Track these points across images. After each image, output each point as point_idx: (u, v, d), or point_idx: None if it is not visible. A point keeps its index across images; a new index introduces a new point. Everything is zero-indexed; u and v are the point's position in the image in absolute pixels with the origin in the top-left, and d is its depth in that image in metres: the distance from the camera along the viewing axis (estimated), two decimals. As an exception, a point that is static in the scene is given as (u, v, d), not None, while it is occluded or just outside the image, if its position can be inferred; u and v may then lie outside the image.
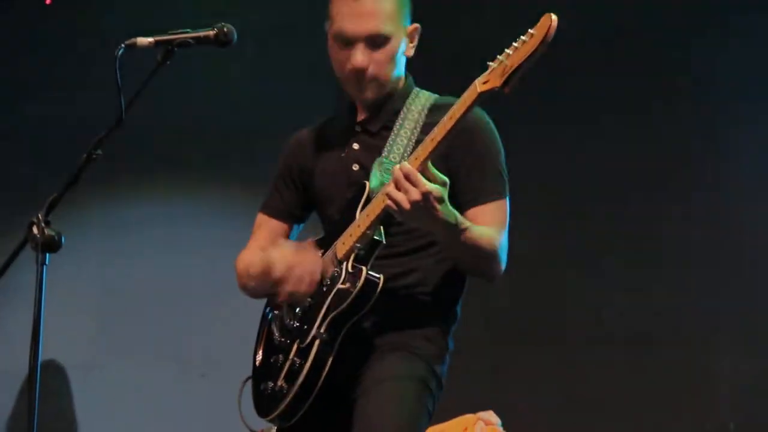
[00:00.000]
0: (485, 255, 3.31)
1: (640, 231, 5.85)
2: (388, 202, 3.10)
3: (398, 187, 3.07)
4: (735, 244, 5.71)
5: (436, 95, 3.52)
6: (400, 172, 3.07)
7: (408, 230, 3.37)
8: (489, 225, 3.32)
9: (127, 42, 3.25)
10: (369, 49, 3.42)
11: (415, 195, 3.05)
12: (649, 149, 5.88)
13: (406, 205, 3.06)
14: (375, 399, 3.28)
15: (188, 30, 3.30)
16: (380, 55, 3.43)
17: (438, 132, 3.12)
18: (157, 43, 3.27)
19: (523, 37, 2.95)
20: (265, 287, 3.46)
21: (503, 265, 3.36)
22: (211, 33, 3.30)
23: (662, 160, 5.86)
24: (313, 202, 3.63)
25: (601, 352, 5.77)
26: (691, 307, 5.71)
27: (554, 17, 2.92)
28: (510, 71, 2.97)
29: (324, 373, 3.28)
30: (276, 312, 3.51)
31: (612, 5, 5.99)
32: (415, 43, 3.52)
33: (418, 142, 3.28)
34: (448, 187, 3.12)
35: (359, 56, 3.41)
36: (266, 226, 3.69)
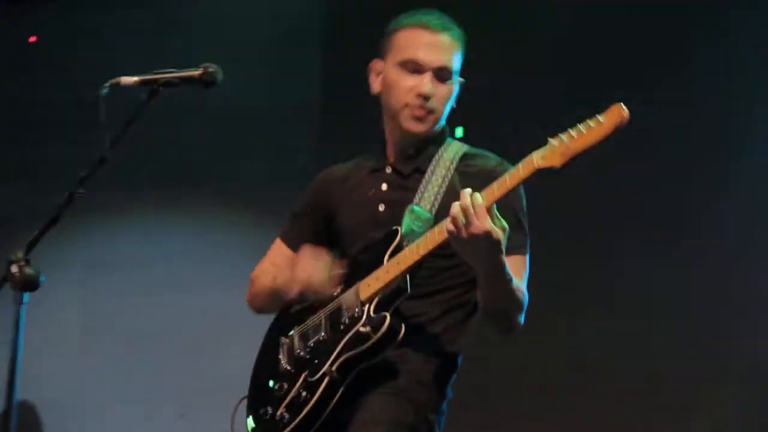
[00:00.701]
0: (515, 306, 3.33)
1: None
2: (449, 227, 3.08)
3: (466, 216, 3.06)
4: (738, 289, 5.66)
5: (468, 145, 3.57)
6: (470, 203, 3.06)
7: (420, 275, 3.37)
8: (516, 276, 3.32)
9: (111, 81, 3.26)
10: (436, 80, 3.47)
11: (479, 229, 3.06)
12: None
13: (464, 234, 3.07)
14: None
15: (173, 69, 3.29)
16: (443, 89, 3.49)
17: (494, 190, 3.12)
18: (142, 82, 3.26)
19: (590, 122, 2.99)
20: (275, 297, 3.55)
21: (520, 322, 3.38)
22: (196, 73, 3.30)
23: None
24: (334, 239, 3.62)
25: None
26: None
27: (625, 109, 2.95)
28: (572, 155, 3.01)
29: (327, 411, 3.28)
30: (285, 339, 3.51)
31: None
32: (456, 94, 3.57)
33: (449, 189, 3.37)
34: (507, 234, 3.13)
35: (428, 83, 3.46)
36: (280, 252, 3.72)
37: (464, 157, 3.51)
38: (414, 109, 3.48)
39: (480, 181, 3.20)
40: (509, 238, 3.18)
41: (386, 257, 3.34)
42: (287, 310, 3.59)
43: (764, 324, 5.44)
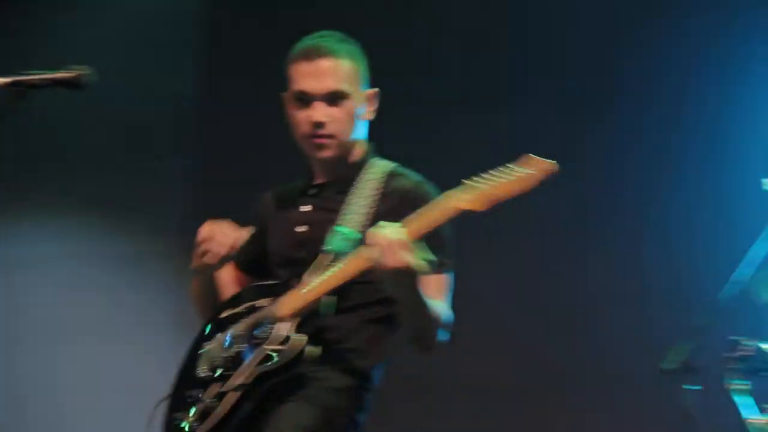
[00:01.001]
0: (432, 327, 3.41)
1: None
2: (374, 256, 3.17)
3: (390, 248, 3.13)
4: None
5: (394, 164, 3.63)
6: (394, 237, 3.15)
7: (342, 293, 3.43)
8: (436, 295, 3.42)
9: None
10: (328, 106, 3.54)
11: (402, 263, 3.15)
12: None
13: (390, 266, 3.15)
14: None
15: (45, 71, 3.26)
16: (339, 112, 3.56)
17: (418, 226, 3.21)
18: (12, 83, 3.23)
19: (518, 171, 3.08)
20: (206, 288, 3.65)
21: (441, 338, 3.45)
22: (67, 76, 3.27)
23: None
24: (267, 260, 3.69)
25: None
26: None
27: (554, 166, 3.06)
28: (497, 201, 3.11)
29: (236, 422, 3.37)
30: (208, 345, 3.54)
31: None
32: (375, 107, 3.64)
33: (376, 210, 3.45)
34: (430, 269, 3.26)
35: (318, 111, 3.53)
36: (228, 267, 3.74)
37: (390, 176, 3.59)
38: (313, 139, 3.57)
39: (399, 202, 3.36)
40: (439, 259, 3.34)
41: (307, 276, 3.41)
42: (217, 316, 3.65)
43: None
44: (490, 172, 3.15)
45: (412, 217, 3.25)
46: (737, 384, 4.16)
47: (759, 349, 4.31)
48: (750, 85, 5.88)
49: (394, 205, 3.40)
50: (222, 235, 3.51)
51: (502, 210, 3.16)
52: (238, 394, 3.35)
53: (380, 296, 3.47)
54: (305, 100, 3.56)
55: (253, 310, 3.50)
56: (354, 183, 3.58)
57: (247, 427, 3.38)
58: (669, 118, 5.94)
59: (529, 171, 3.09)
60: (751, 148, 5.74)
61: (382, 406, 3.61)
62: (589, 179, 5.88)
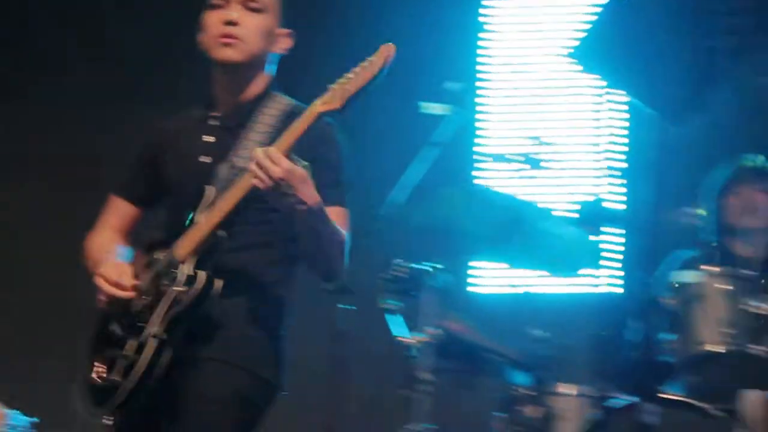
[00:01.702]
0: (338, 248, 3.41)
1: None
2: (254, 180, 3.18)
3: (262, 166, 3.17)
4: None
5: (295, 102, 3.56)
6: (264, 153, 3.18)
7: (239, 230, 3.41)
8: (341, 225, 3.47)
9: None
10: (245, 11, 3.49)
11: (279, 172, 3.16)
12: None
13: (268, 182, 3.16)
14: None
15: None
16: (253, 19, 3.50)
17: (285, 139, 3.26)
18: None
19: (363, 63, 3.24)
20: None
21: (343, 268, 3.51)
22: None
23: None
24: (164, 190, 3.64)
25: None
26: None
27: (392, 47, 3.22)
28: (349, 96, 3.25)
29: (158, 372, 3.36)
30: (113, 307, 3.50)
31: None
32: (286, 46, 3.60)
33: (270, 144, 3.33)
34: (310, 170, 3.24)
35: (234, 11, 3.48)
36: (117, 208, 3.73)
37: (289, 114, 3.49)
38: (222, 37, 3.49)
39: None
40: (327, 192, 3.35)
41: (199, 214, 3.40)
42: None
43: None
44: (344, 74, 3.28)
45: (282, 134, 3.28)
46: (390, 303, 4.31)
47: (412, 270, 4.46)
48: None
49: None
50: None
51: None
52: (155, 342, 3.34)
53: (285, 234, 3.45)
54: (221, 4, 3.51)
55: (153, 262, 3.47)
56: (254, 115, 3.52)
57: (173, 382, 3.38)
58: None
59: (371, 59, 3.21)
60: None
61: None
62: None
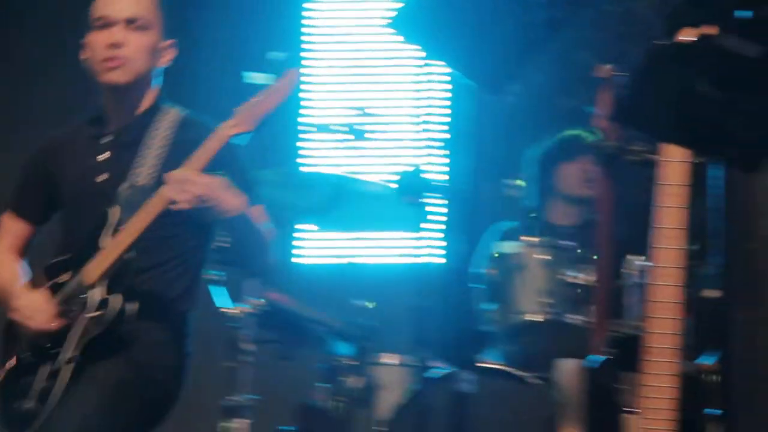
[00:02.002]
0: (267, 243, 3.50)
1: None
2: (180, 202, 3.25)
3: (183, 188, 3.26)
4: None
5: (186, 112, 3.62)
6: (181, 175, 3.27)
7: (146, 247, 3.44)
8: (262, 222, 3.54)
9: None
10: (127, 31, 3.50)
11: (201, 188, 3.27)
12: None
13: (193, 201, 3.25)
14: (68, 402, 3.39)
15: None
16: (138, 38, 3.51)
17: (197, 160, 3.34)
18: None
19: (272, 87, 3.37)
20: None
21: (273, 260, 3.58)
22: None
23: None
24: (58, 207, 3.66)
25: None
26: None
27: (297, 72, 3.41)
28: (260, 119, 3.36)
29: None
30: (24, 332, 3.50)
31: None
32: (169, 58, 3.64)
33: (168, 159, 3.46)
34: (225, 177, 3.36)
35: (117, 33, 3.49)
36: (11, 226, 3.71)
37: (182, 125, 3.57)
38: (107, 61, 3.50)
39: (191, 152, 3.37)
40: (249, 191, 3.44)
41: (106, 238, 3.40)
42: None
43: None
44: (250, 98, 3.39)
45: (193, 155, 3.36)
46: (213, 274, 4.28)
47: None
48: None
49: (186, 155, 3.40)
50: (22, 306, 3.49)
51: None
52: (71, 367, 3.37)
53: (188, 246, 3.56)
54: (106, 24, 3.52)
55: (57, 286, 3.48)
56: (147, 131, 3.56)
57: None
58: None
59: (279, 84, 3.35)
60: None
61: None
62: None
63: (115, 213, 3.43)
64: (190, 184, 3.26)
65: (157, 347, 3.52)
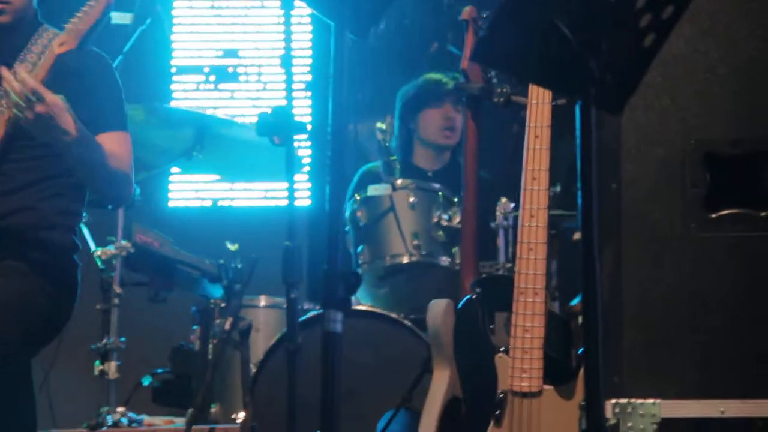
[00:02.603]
0: (115, 174, 3.45)
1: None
2: (16, 111, 3.23)
3: (20, 96, 3.21)
4: None
5: (58, 31, 3.46)
6: (21, 83, 3.21)
7: (14, 168, 3.43)
8: (121, 150, 3.48)
9: None
10: None
11: (40, 107, 3.21)
12: None
13: (30, 115, 3.21)
14: None
15: None
16: None
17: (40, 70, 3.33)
18: None
19: (89, 4, 3.30)
20: None
21: (132, 190, 3.55)
22: None
23: None
24: None
25: None
26: None
27: None
28: (82, 36, 3.30)
29: None
30: None
31: None
32: None
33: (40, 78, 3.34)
34: (66, 102, 3.28)
35: None
36: None
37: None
38: None
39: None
40: (107, 118, 3.45)
41: None
42: None
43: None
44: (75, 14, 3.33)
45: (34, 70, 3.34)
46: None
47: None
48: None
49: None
50: None
51: None
52: None
53: (50, 171, 3.49)
54: None
55: None
56: (23, 51, 3.51)
57: None
58: None
59: None
60: None
61: None
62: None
63: None
64: (24, 89, 3.25)
65: (29, 274, 3.47)
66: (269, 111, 3.47)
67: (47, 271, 3.47)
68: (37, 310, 3.46)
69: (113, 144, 3.47)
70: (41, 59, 3.41)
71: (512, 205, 4.22)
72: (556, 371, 3.50)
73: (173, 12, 6.27)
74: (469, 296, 3.67)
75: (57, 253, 3.52)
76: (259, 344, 4.51)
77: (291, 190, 3.62)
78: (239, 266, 4.51)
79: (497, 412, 3.49)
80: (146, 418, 4.38)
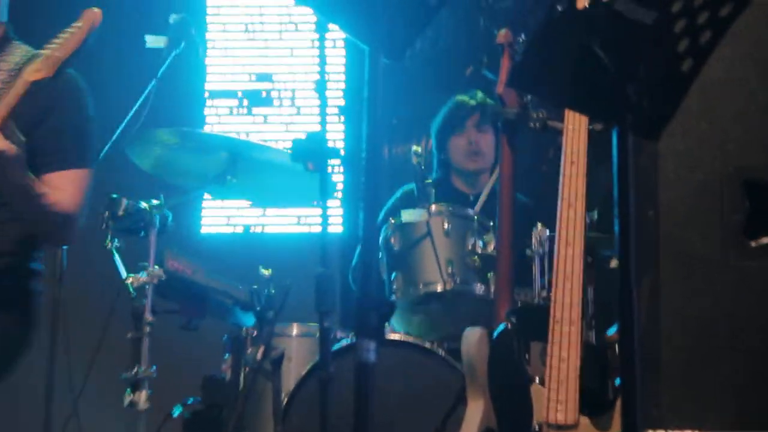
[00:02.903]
0: (58, 222, 3.43)
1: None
2: None
3: None
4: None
5: (36, 51, 3.44)
6: None
7: None
8: (69, 188, 3.43)
9: None
10: None
11: None
12: None
13: None
14: None
15: None
16: None
17: (11, 99, 3.23)
18: None
19: (70, 29, 3.21)
20: None
21: (76, 231, 3.50)
22: None
23: None
24: None
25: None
26: None
27: (98, 11, 3.20)
28: (59, 64, 3.20)
29: None
30: None
31: None
32: None
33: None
34: (23, 146, 3.24)
35: None
36: None
37: (30, 60, 3.37)
38: None
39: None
40: (64, 152, 3.39)
41: None
42: None
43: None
44: (52, 41, 3.25)
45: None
46: (113, 243, 4.21)
47: (134, 208, 4.36)
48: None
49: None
50: None
51: None
52: None
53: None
54: None
55: None
56: None
57: None
58: None
59: (77, 25, 3.20)
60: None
61: None
62: None
63: None
64: None
65: None
66: (303, 136, 3.44)
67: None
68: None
69: (63, 182, 3.43)
70: (13, 80, 3.33)
71: (548, 231, 4.15)
72: (593, 402, 3.44)
73: (207, 36, 6.26)
74: (504, 325, 3.61)
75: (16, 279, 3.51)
76: (291, 373, 4.46)
77: (324, 216, 3.58)
78: (272, 292, 4.46)
79: (532, 445, 3.43)
80: (177, 450, 4.35)
